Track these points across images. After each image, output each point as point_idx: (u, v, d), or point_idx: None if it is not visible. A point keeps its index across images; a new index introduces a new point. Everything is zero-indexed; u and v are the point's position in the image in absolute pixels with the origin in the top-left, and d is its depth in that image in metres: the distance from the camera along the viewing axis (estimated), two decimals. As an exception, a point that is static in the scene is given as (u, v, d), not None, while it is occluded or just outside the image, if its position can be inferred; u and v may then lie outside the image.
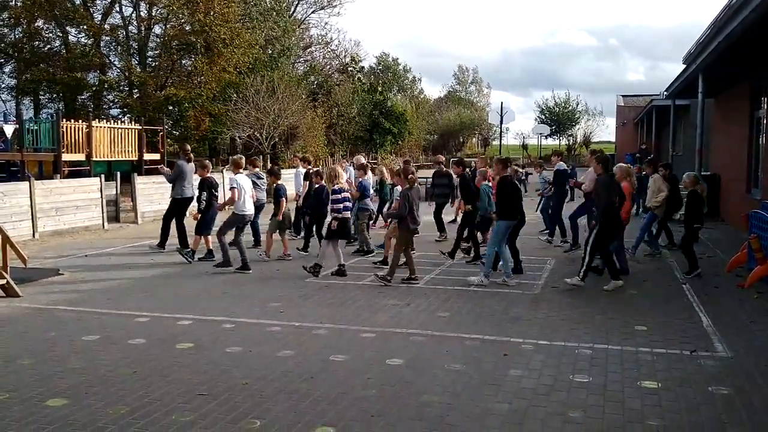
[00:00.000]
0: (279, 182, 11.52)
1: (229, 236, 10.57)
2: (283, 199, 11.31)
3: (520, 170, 14.01)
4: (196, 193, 11.34)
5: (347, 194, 10.21)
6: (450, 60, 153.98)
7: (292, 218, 12.91)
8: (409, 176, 9.69)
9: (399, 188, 10.54)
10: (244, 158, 11.72)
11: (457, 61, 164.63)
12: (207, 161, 11.63)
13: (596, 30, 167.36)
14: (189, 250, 11.34)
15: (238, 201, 10.54)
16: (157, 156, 24.30)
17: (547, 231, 13.36)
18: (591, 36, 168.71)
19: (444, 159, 16.92)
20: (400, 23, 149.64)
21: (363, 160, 13.74)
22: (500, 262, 9.45)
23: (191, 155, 12.97)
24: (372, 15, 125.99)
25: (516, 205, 9.35)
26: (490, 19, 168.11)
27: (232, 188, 10.56)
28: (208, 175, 11.21)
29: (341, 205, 9.89)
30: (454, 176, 13.16)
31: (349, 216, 10.15)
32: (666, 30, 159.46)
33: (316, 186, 11.53)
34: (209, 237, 11.30)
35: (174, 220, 12.26)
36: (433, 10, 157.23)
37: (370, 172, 13.40)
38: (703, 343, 6.43)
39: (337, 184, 10.03)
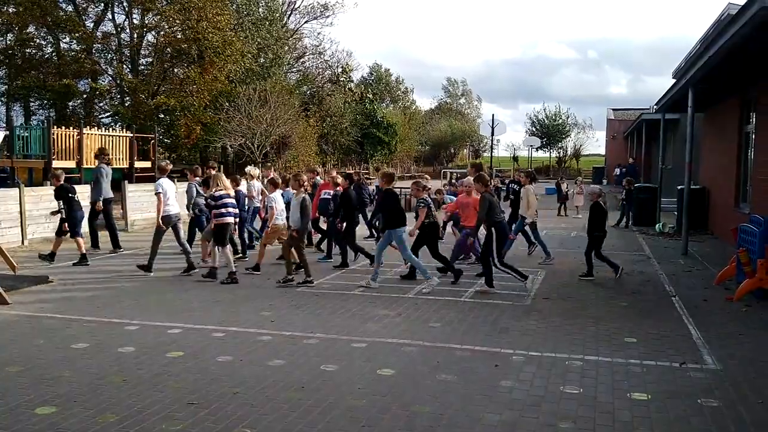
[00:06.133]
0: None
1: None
2: None
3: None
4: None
5: (230, 200, 10.52)
6: (432, 70, 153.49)
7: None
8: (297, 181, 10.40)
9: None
10: (170, 164, 12.21)
11: (440, 71, 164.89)
12: (60, 170, 12.52)
13: (575, 42, 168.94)
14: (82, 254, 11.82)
15: (165, 204, 10.94)
16: (148, 164, 24.23)
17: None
18: (570, 48, 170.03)
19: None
20: (381, 33, 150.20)
21: (256, 172, 14.17)
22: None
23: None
24: (357, 24, 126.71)
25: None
26: (471, 30, 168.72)
27: (157, 193, 10.91)
28: (62, 183, 11.98)
29: (219, 210, 10.31)
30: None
31: (231, 221, 10.53)
32: (646, 43, 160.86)
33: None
34: (81, 239, 11.87)
35: (92, 221, 13.60)
36: (414, 20, 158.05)
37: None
38: (693, 355, 6.47)
39: (217, 190, 10.42)
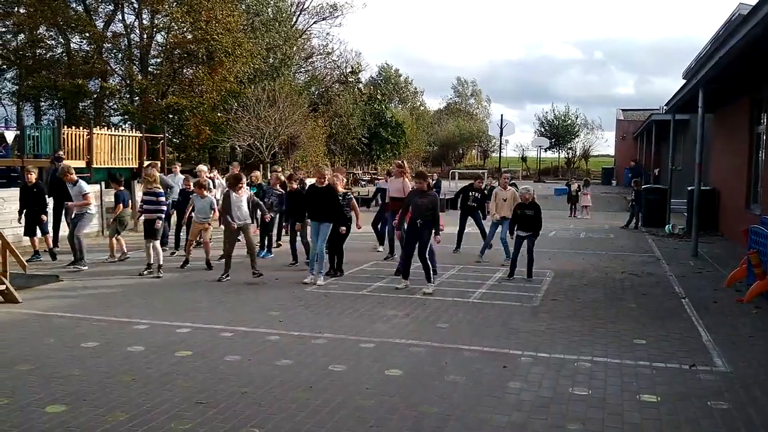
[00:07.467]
0: (121, 189, 12.37)
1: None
2: (120, 204, 12.06)
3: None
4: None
5: (162, 197, 11.26)
6: (436, 70, 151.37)
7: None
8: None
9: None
10: (72, 167, 12.54)
11: (444, 71, 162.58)
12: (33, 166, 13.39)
13: (580, 43, 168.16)
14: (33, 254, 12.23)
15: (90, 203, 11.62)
16: (156, 164, 24.26)
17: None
18: (576, 48, 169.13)
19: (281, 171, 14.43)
20: (385, 33, 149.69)
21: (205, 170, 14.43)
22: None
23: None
24: (362, 24, 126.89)
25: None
26: (475, 30, 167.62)
27: (86, 194, 11.45)
28: (40, 182, 12.80)
29: (153, 207, 10.99)
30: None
31: (162, 217, 11.14)
32: (650, 44, 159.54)
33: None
34: (36, 239, 12.40)
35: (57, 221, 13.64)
36: (418, 20, 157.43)
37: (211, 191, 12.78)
38: (702, 357, 6.43)
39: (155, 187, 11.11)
